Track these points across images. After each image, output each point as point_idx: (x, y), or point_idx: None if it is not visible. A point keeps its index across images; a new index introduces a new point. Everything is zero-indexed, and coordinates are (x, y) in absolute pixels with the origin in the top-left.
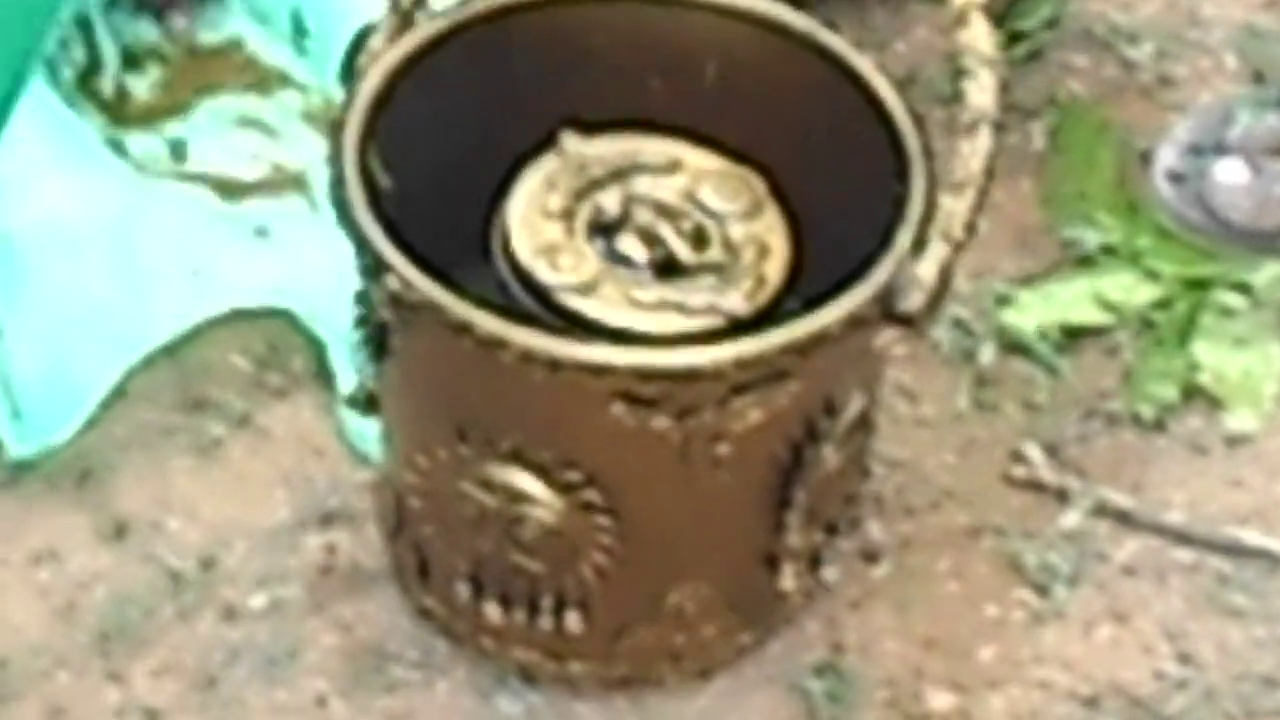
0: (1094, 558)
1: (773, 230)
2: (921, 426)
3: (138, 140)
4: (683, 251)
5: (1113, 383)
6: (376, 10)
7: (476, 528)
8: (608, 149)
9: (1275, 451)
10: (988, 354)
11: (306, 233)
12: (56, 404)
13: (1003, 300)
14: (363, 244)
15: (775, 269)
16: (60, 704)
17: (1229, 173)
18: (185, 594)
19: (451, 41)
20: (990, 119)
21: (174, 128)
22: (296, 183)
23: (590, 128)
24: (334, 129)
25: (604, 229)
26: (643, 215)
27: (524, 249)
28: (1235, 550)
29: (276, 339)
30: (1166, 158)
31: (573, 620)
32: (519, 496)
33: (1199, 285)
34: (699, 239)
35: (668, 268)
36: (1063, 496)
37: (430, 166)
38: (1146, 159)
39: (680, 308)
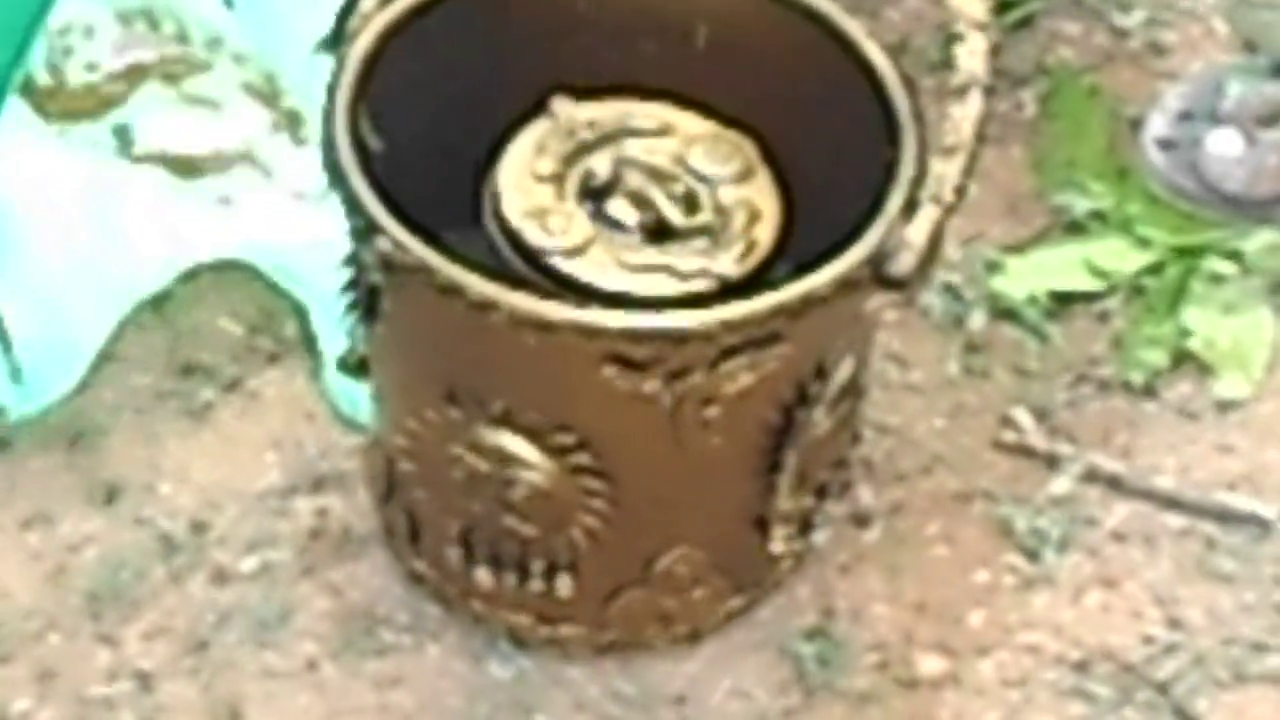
0: (1084, 523)
1: (763, 194)
2: (912, 392)
3: (82, 131)
4: (673, 215)
5: (1103, 349)
6: None
7: (467, 491)
8: (599, 113)
9: (1265, 417)
10: (978, 320)
11: (269, 203)
12: (54, 362)
13: (993, 266)
14: (354, 206)
15: (766, 233)
16: (51, 666)
17: (1223, 143)
18: (176, 557)
19: (442, 5)
20: (981, 83)
21: (116, 114)
22: (245, 156)
23: (582, 92)
24: (327, 91)
25: (595, 193)
26: (633, 179)
27: (514, 212)
28: (1224, 515)
29: (268, 304)
30: (1157, 126)
31: (563, 584)
32: (509, 459)
33: (1189, 252)
34: (689, 203)
35: (658, 231)
36: (1052, 462)
37: (421, 130)
38: (1136, 126)
39: (671, 271)
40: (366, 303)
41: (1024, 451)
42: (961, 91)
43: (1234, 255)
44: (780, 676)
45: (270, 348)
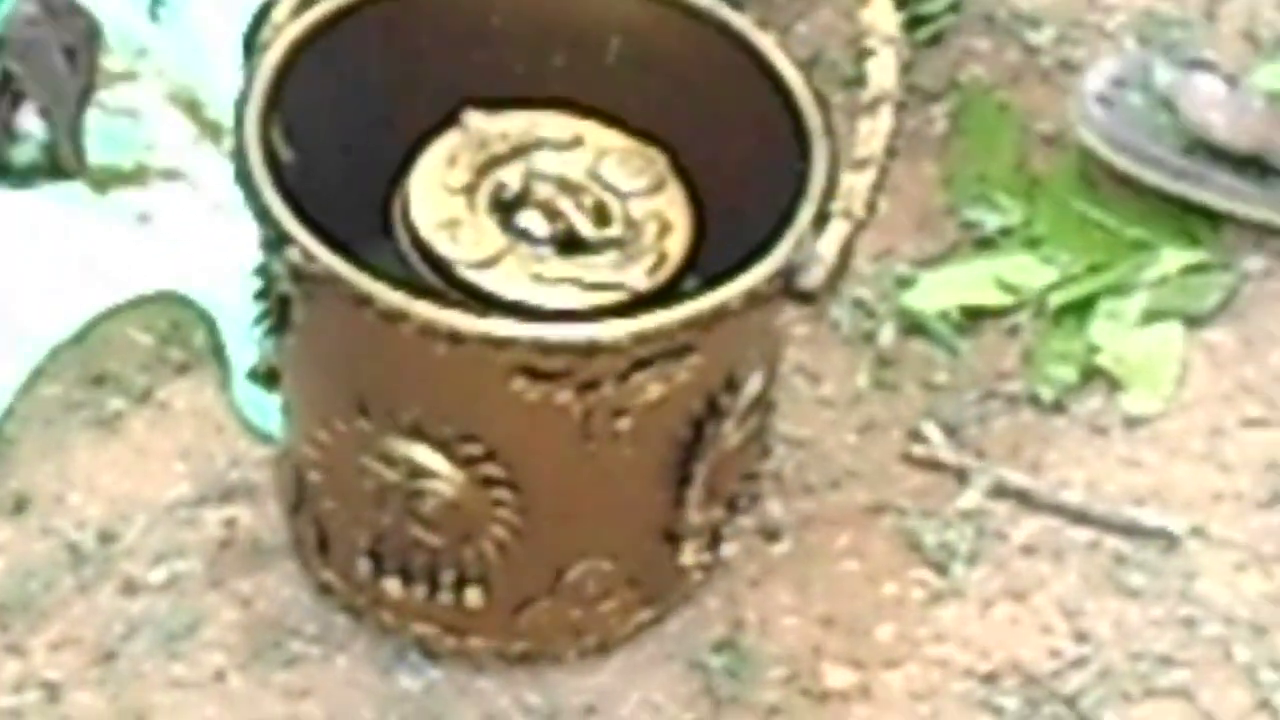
0: (992, 537)
1: (674, 206)
2: (822, 406)
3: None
4: (584, 227)
5: (1012, 364)
6: None
7: (377, 502)
8: (510, 125)
9: (1173, 433)
10: (888, 334)
11: (188, 215)
12: None
13: (903, 281)
14: (264, 216)
15: (677, 245)
16: None
17: (1203, 88)
18: (85, 568)
19: (354, 16)
20: (892, 98)
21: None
22: (169, 172)
23: (493, 104)
24: (237, 102)
25: (506, 204)
26: (544, 190)
27: (425, 223)
28: (1133, 530)
29: (178, 315)
30: (1095, 83)
31: (473, 595)
32: (419, 471)
33: (1098, 268)
34: (600, 215)
35: (569, 243)
36: (962, 476)
37: (333, 140)
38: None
39: (581, 283)
40: (277, 313)
41: (933, 465)
42: (873, 106)
43: (1143, 270)
44: (689, 689)
45: (180, 358)
